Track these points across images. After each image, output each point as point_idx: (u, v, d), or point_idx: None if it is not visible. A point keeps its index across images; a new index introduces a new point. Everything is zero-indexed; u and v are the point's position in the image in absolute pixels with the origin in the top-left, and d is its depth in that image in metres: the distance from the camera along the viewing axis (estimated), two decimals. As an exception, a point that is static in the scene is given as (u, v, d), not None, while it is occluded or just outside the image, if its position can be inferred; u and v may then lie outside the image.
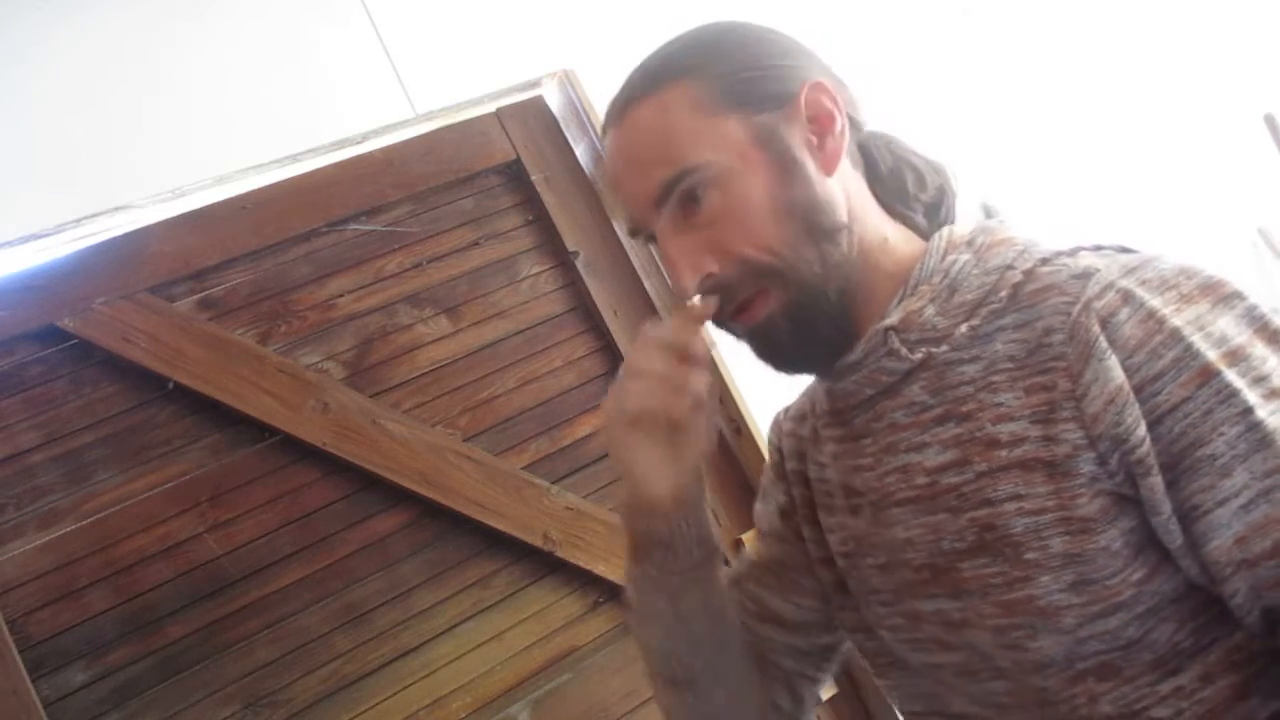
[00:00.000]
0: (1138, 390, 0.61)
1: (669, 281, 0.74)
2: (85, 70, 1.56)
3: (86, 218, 1.53)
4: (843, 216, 0.72)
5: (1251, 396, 0.59)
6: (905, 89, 2.10)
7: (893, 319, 0.71)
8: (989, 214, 0.82)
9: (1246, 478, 0.59)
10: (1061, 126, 2.23)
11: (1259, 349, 0.61)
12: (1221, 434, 0.59)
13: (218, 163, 1.61)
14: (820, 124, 0.73)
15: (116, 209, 1.55)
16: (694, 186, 0.70)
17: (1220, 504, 0.60)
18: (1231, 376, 0.60)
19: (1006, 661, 0.68)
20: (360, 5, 1.75)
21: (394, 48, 1.76)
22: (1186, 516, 0.61)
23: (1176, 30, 2.37)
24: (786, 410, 0.92)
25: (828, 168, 0.72)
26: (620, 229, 1.84)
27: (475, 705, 1.57)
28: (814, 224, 0.71)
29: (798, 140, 0.72)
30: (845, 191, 0.73)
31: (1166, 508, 0.61)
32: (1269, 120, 2.30)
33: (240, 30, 1.67)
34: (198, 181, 1.60)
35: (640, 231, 0.75)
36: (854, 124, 0.77)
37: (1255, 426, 0.59)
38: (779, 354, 0.74)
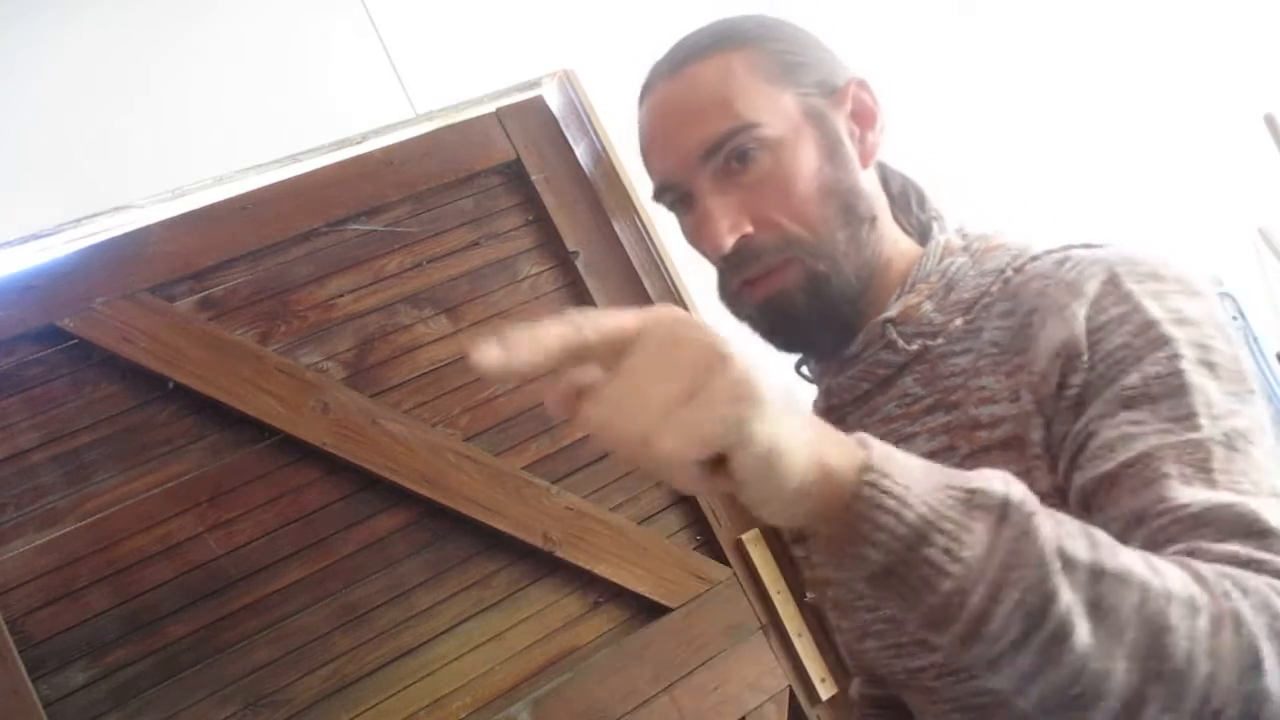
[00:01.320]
0: (1090, 334, 0.62)
1: (699, 241, 0.73)
2: (85, 70, 1.56)
3: (86, 218, 1.53)
4: (872, 208, 0.75)
5: (1185, 352, 0.59)
6: (904, 88, 2.10)
7: (891, 312, 0.73)
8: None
9: (1152, 422, 0.58)
10: (1061, 126, 2.23)
11: (1210, 331, 0.61)
12: (1141, 369, 0.59)
13: (218, 163, 1.61)
14: (862, 119, 0.76)
15: (116, 209, 1.55)
16: (748, 144, 0.70)
17: (1112, 436, 0.58)
18: (1172, 329, 0.60)
19: None
20: (360, 5, 1.75)
21: (394, 48, 1.76)
22: (1078, 445, 0.60)
23: (1176, 30, 2.36)
24: None
25: (865, 160, 0.75)
26: (621, 227, 1.84)
27: (475, 705, 1.57)
28: (851, 206, 0.73)
29: (842, 128, 0.74)
30: (873, 188, 0.76)
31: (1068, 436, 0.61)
32: (1269, 120, 2.30)
33: (241, 30, 1.67)
34: (198, 181, 1.60)
35: (672, 190, 0.74)
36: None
37: (1177, 372, 0.58)
38: (789, 326, 0.74)
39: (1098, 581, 0.46)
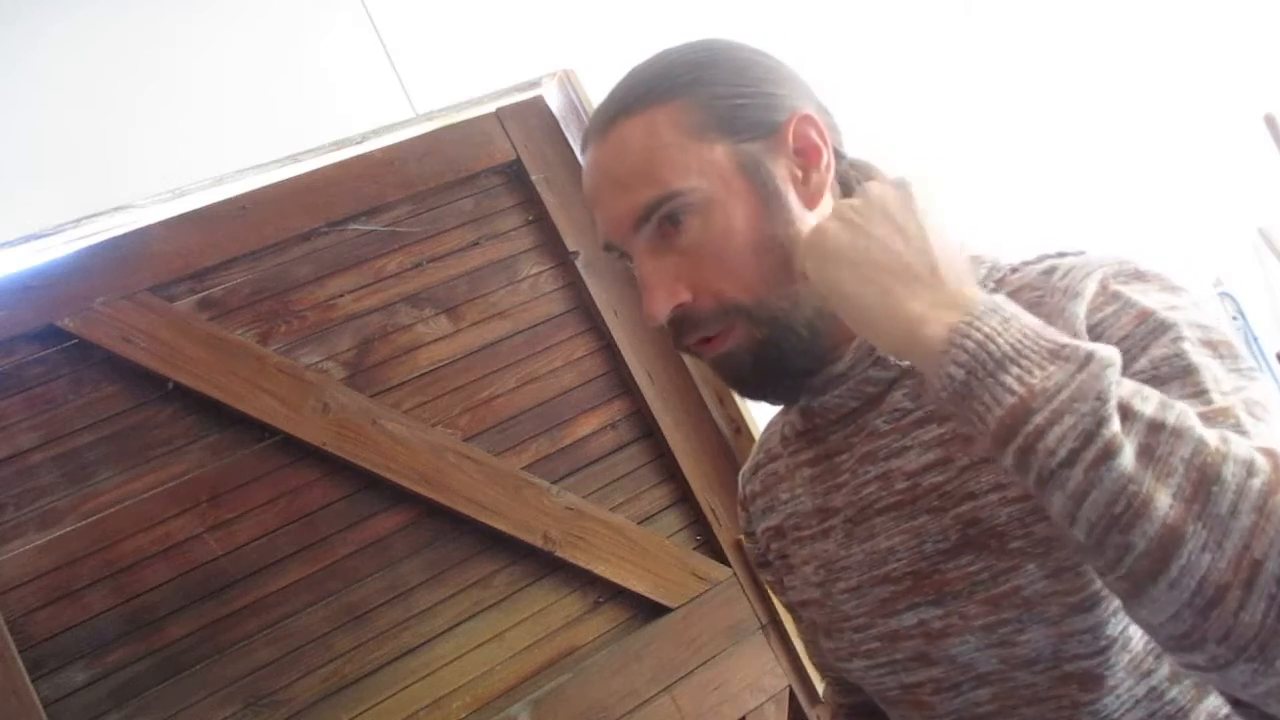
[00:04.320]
0: (1090, 330, 0.63)
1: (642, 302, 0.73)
2: (85, 70, 1.56)
3: (86, 218, 1.53)
4: None
5: (1187, 333, 0.62)
6: (907, 86, 2.10)
7: None
8: None
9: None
10: (1062, 126, 2.23)
11: (1202, 316, 0.64)
12: (1149, 354, 0.61)
13: (217, 163, 1.61)
14: (806, 157, 0.72)
15: (116, 209, 1.55)
16: (676, 211, 0.69)
17: None
18: (1168, 316, 0.62)
19: (993, 664, 0.69)
20: (360, 5, 1.75)
21: (394, 48, 1.76)
22: None
23: (1176, 30, 2.36)
24: (742, 475, 0.93)
25: (810, 202, 0.72)
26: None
27: (475, 705, 1.57)
28: (791, 259, 0.70)
29: (782, 172, 0.72)
30: None
31: None
32: (1269, 120, 2.30)
33: (240, 30, 1.67)
34: (197, 181, 1.60)
35: (614, 249, 0.74)
36: (837, 155, 0.77)
37: (1181, 354, 0.61)
38: (743, 384, 0.74)
39: (1154, 432, 0.51)
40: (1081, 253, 0.72)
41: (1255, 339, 2.27)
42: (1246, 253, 2.35)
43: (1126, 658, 0.65)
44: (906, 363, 0.72)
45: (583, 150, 0.76)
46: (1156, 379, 0.60)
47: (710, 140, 0.70)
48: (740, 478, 0.94)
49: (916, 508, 0.70)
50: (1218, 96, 2.33)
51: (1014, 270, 0.72)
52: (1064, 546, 0.64)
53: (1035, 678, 0.67)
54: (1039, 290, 0.68)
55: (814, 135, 0.73)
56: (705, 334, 0.71)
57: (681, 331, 0.72)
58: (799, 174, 0.72)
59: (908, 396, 0.72)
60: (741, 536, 0.95)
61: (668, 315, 0.70)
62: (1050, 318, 0.65)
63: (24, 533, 1.43)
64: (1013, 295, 0.69)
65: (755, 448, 0.92)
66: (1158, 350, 0.61)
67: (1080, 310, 0.64)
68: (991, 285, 0.71)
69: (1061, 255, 0.72)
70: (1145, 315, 0.62)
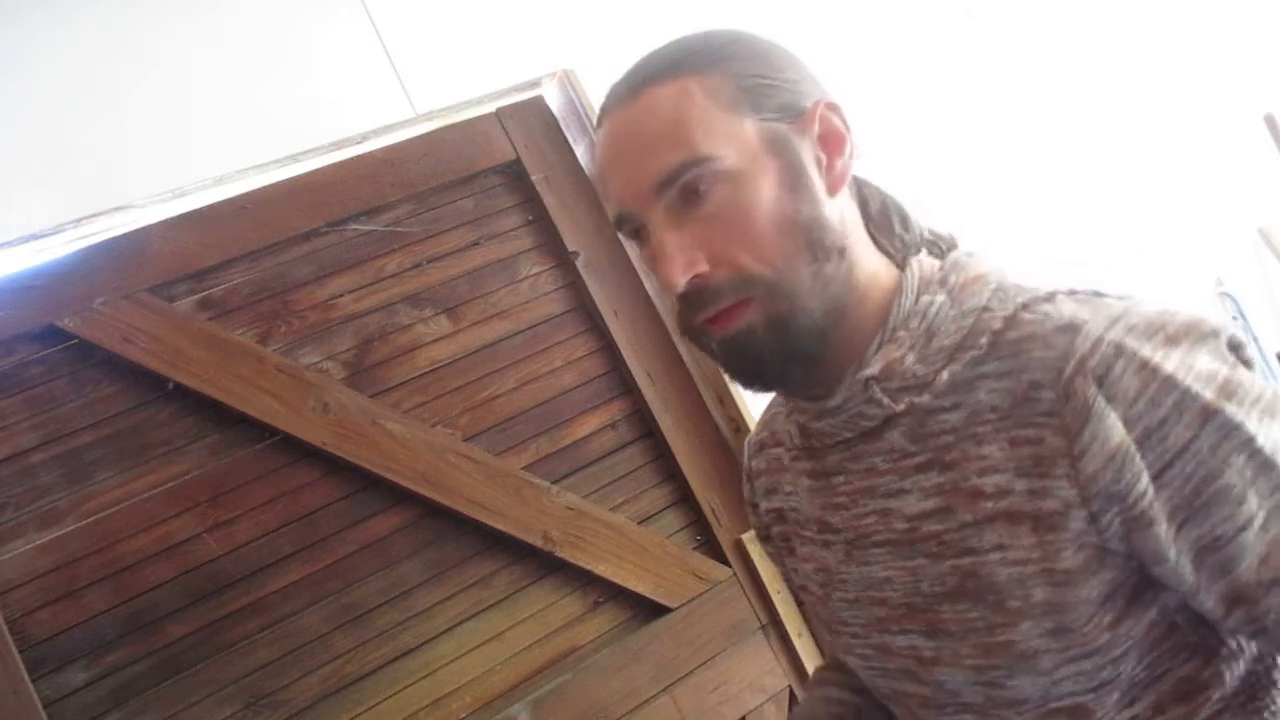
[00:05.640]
0: (1141, 440, 0.60)
1: (654, 274, 0.70)
2: (85, 70, 1.56)
3: (86, 218, 1.53)
4: (840, 239, 0.70)
5: (1251, 424, 0.60)
6: (908, 90, 2.10)
7: (873, 369, 0.70)
8: (946, 243, 0.79)
9: (1257, 501, 0.60)
10: (1063, 126, 2.23)
11: (1240, 374, 0.62)
12: (1230, 464, 0.60)
13: (217, 163, 1.61)
14: (830, 144, 0.71)
15: (116, 209, 1.55)
16: (702, 177, 0.67)
17: (1242, 529, 0.60)
18: (1231, 409, 0.60)
19: (979, 698, 0.69)
20: (360, 5, 1.75)
21: (394, 48, 1.76)
22: (1207, 549, 0.61)
23: (1176, 30, 2.36)
24: (748, 444, 0.92)
25: (833, 189, 0.71)
26: (620, 229, 1.84)
27: (475, 705, 1.57)
28: (814, 240, 0.68)
29: (807, 155, 0.70)
30: (843, 216, 0.72)
31: (1172, 553, 0.61)
32: (1269, 120, 2.30)
33: (240, 30, 1.67)
34: (198, 181, 1.60)
35: (628, 221, 0.71)
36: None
37: (1257, 452, 0.60)
38: (753, 367, 0.71)
39: None
40: (1098, 293, 0.68)
41: (1255, 339, 2.27)
42: (1246, 253, 2.35)
43: (1117, 694, 0.66)
44: (901, 406, 0.69)
45: (599, 124, 0.73)
46: (1246, 484, 0.60)
47: (740, 114, 0.68)
48: (746, 447, 0.92)
49: (914, 550, 0.70)
50: (1218, 96, 2.33)
51: (1024, 307, 0.67)
52: (1066, 611, 0.64)
53: (1020, 716, 0.68)
54: (1056, 352, 0.63)
55: (838, 123, 0.71)
56: (721, 306, 0.68)
57: (694, 306, 0.69)
58: (823, 159, 0.71)
59: (905, 436, 0.70)
60: (748, 510, 0.94)
61: (685, 286, 0.68)
62: (1073, 401, 0.61)
63: (24, 533, 1.43)
64: (1021, 343, 0.65)
65: (759, 424, 0.90)
66: (1238, 459, 0.60)
67: (1116, 423, 0.61)
68: (1001, 323, 0.67)
69: (1074, 294, 0.67)
70: (1209, 414, 0.60)
